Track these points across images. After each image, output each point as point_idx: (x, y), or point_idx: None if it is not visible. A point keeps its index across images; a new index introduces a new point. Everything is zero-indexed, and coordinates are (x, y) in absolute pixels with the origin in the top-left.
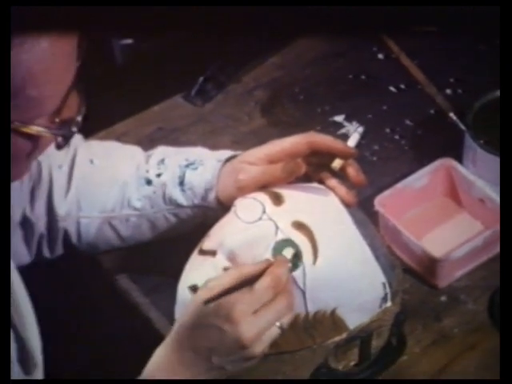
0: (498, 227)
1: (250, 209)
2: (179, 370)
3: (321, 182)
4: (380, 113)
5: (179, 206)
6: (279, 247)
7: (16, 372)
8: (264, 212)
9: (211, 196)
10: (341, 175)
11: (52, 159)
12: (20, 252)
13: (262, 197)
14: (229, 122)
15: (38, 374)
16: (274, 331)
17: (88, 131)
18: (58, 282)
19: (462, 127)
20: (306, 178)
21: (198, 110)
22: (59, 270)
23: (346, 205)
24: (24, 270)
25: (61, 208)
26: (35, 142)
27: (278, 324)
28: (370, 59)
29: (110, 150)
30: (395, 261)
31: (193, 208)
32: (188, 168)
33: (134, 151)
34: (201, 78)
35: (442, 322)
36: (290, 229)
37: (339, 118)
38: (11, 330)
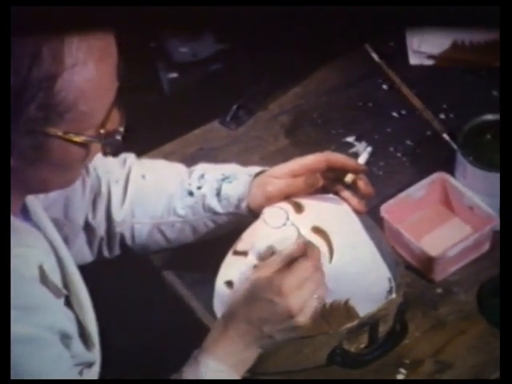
0: (484, 230)
1: (276, 216)
2: (235, 339)
3: (336, 193)
4: (385, 134)
5: (216, 213)
6: None
7: (77, 346)
8: (288, 219)
9: (243, 205)
10: (353, 188)
11: (110, 175)
12: (84, 252)
13: (286, 206)
14: (258, 143)
15: (96, 353)
16: (314, 302)
17: (140, 151)
18: (115, 277)
19: (454, 146)
20: (323, 190)
21: (232, 132)
22: (117, 268)
23: (357, 212)
24: (88, 267)
25: (118, 215)
26: (86, 150)
27: (315, 296)
28: (375, 89)
29: (159, 167)
30: (398, 259)
31: (228, 215)
32: (224, 182)
33: (179, 168)
34: (234, 106)
35: (439, 310)
36: (309, 233)
37: (351, 139)
38: (73, 316)
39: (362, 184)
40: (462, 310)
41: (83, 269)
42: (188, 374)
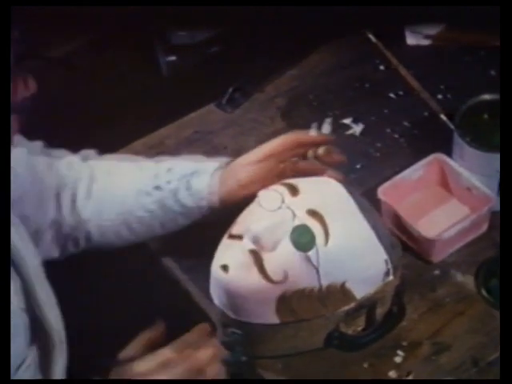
0: (482, 211)
1: (271, 199)
2: None
3: (309, 170)
4: (382, 116)
5: (186, 207)
6: (295, 231)
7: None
8: (283, 202)
9: (215, 197)
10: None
11: (75, 173)
12: (50, 249)
13: (281, 189)
14: (254, 125)
15: (59, 351)
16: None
17: (137, 134)
18: (113, 263)
19: (452, 127)
20: (296, 171)
21: (228, 115)
22: (114, 254)
23: (338, 181)
24: (82, 255)
25: (84, 213)
26: None
27: None
28: (372, 70)
29: (124, 164)
30: (395, 240)
31: (197, 209)
32: (193, 176)
33: (145, 163)
34: (230, 89)
35: (436, 292)
36: (305, 216)
37: (347, 121)
38: (26, 316)
39: (335, 154)
40: (459, 292)
41: (76, 257)
42: None
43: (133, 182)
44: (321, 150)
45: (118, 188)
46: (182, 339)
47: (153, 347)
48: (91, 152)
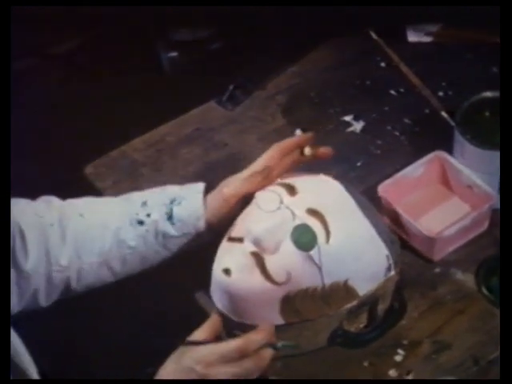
0: (483, 209)
1: (269, 200)
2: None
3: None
4: (382, 113)
5: (170, 237)
6: (296, 231)
7: None
8: (281, 202)
9: (201, 222)
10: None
11: (43, 220)
12: (12, 303)
13: (279, 189)
14: (255, 123)
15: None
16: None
17: (137, 131)
18: None
19: (453, 124)
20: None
21: (229, 112)
22: None
23: (328, 156)
24: None
25: (62, 259)
26: None
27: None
28: (373, 67)
29: (95, 204)
30: (393, 236)
31: (181, 237)
32: (173, 204)
33: (115, 200)
34: (231, 86)
35: (437, 290)
36: (304, 215)
37: (348, 118)
38: None
39: (321, 149)
40: (460, 290)
41: None
42: None
43: (109, 221)
44: (307, 151)
45: (95, 229)
46: (247, 337)
47: (216, 335)
48: (53, 198)
